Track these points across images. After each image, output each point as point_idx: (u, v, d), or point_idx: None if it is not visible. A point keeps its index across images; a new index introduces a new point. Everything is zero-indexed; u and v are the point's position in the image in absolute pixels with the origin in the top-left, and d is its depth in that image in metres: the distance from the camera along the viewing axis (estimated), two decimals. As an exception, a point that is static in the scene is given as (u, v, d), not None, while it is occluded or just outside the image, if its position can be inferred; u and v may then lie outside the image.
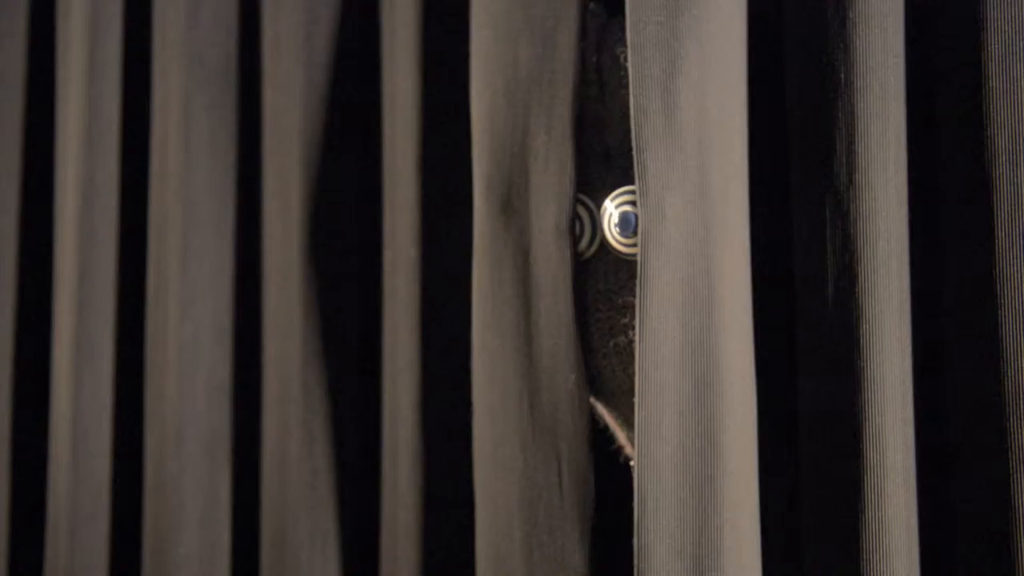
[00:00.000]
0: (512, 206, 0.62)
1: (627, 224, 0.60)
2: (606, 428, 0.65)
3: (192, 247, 0.76)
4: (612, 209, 0.61)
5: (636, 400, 0.57)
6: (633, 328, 0.61)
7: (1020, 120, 0.57)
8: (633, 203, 0.59)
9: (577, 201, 0.62)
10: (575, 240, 0.61)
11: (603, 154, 0.63)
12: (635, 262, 0.60)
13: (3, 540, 0.83)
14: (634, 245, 0.59)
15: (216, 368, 0.76)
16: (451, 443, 0.68)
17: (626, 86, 0.62)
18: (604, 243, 0.62)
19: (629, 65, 0.58)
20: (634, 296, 0.61)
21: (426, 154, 0.69)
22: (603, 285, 0.62)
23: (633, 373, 0.61)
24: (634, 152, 0.57)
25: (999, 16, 0.57)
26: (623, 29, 0.62)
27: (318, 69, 0.74)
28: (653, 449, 0.56)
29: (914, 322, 0.59)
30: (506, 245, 0.63)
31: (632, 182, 0.60)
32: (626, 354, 0.61)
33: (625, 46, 0.61)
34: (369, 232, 0.74)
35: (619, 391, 0.63)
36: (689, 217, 0.57)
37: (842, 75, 0.58)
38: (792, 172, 0.61)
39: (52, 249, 0.84)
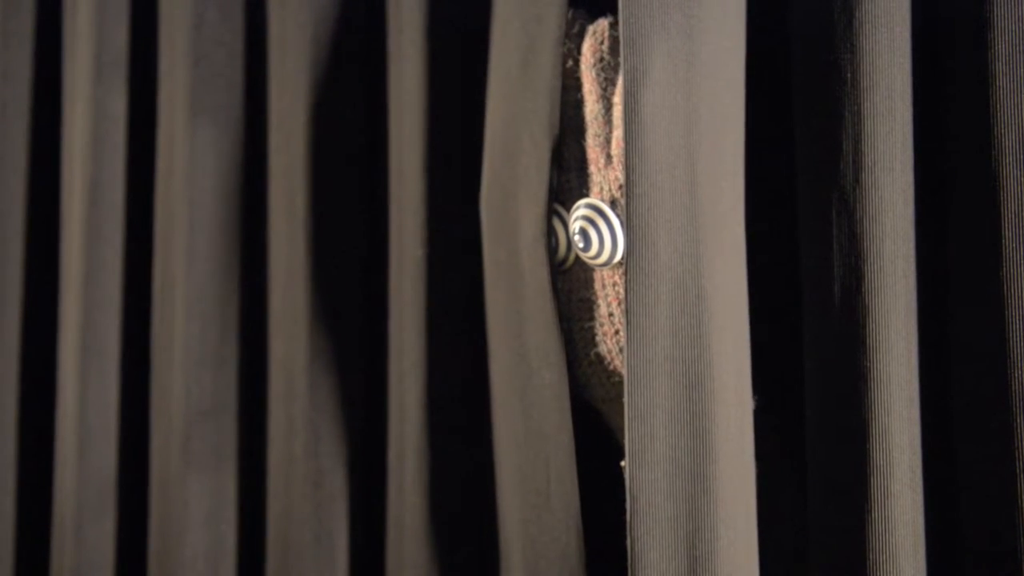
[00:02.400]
0: (504, 210, 0.63)
1: (585, 238, 0.60)
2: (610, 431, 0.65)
3: (198, 246, 0.77)
4: (573, 222, 0.61)
5: (625, 399, 0.56)
6: (612, 338, 0.61)
7: (1027, 120, 0.57)
8: (589, 219, 0.60)
9: (553, 212, 0.62)
10: (552, 244, 0.62)
11: (581, 161, 0.63)
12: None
13: (10, 537, 0.83)
14: (595, 258, 0.60)
15: (222, 367, 0.76)
16: (457, 442, 0.68)
17: (605, 90, 0.62)
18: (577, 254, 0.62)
19: (621, 61, 0.58)
20: (610, 307, 0.61)
21: (433, 154, 0.69)
22: (584, 294, 0.63)
23: (618, 382, 0.61)
24: (624, 148, 0.57)
25: (1006, 16, 0.57)
26: (596, 31, 0.62)
27: (324, 68, 0.74)
28: (644, 447, 0.56)
29: (920, 322, 0.59)
30: (500, 248, 0.63)
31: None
32: (619, 361, 0.62)
33: (601, 47, 0.62)
34: (375, 231, 0.74)
35: (607, 398, 0.63)
36: (677, 215, 0.57)
37: (848, 75, 0.58)
38: (798, 172, 0.61)
39: (59, 248, 0.84)
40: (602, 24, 0.62)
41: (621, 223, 0.58)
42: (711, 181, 0.58)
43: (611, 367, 0.62)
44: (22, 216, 0.85)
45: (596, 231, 0.59)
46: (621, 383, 0.62)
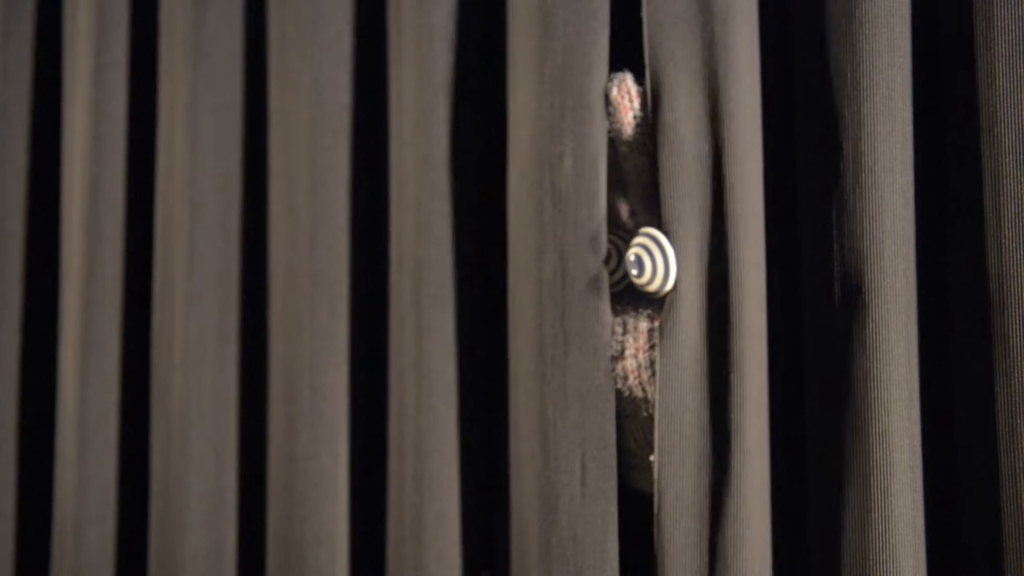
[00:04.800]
0: (545, 210, 0.63)
1: (640, 265, 0.61)
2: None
3: (198, 246, 0.77)
4: (628, 251, 0.62)
5: (656, 396, 0.58)
6: (644, 352, 0.62)
7: (1027, 119, 0.57)
8: (645, 247, 0.61)
9: (609, 236, 0.63)
10: (607, 251, 0.62)
11: (629, 213, 0.64)
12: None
13: (10, 538, 0.83)
14: (647, 284, 0.61)
15: (222, 367, 0.76)
16: (456, 442, 0.69)
17: (644, 145, 0.62)
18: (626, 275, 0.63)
19: (647, 86, 0.59)
20: (643, 319, 0.62)
21: (432, 154, 0.69)
22: (615, 306, 0.63)
23: (634, 399, 0.62)
24: (660, 176, 0.59)
25: (1006, 16, 0.57)
26: (620, 87, 0.62)
27: (325, 68, 0.74)
28: (673, 442, 0.58)
29: (920, 321, 0.59)
30: (539, 248, 0.63)
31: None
32: (632, 378, 0.62)
33: (632, 105, 0.62)
34: (376, 231, 0.74)
35: (632, 414, 0.63)
36: (706, 218, 0.59)
37: (848, 75, 0.58)
38: (799, 172, 0.61)
39: (59, 248, 0.84)
40: (623, 78, 0.63)
41: (674, 253, 0.60)
42: (743, 199, 0.59)
43: (633, 383, 0.62)
44: (22, 216, 0.85)
45: (651, 259, 0.60)
46: (632, 400, 0.62)
